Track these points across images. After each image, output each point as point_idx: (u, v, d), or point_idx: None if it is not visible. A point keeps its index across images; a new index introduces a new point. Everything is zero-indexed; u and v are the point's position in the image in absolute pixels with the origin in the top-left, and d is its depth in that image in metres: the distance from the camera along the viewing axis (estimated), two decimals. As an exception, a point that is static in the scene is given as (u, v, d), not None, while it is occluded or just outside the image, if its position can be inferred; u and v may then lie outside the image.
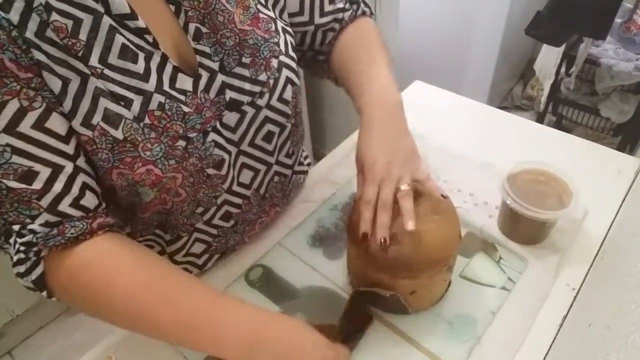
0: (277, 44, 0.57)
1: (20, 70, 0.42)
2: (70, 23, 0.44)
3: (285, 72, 0.58)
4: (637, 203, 0.72)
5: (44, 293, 0.49)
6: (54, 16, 0.43)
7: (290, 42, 0.60)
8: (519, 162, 0.68)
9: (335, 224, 0.75)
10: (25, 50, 0.42)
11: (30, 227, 0.45)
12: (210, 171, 0.55)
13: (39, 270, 0.47)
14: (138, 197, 0.53)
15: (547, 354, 0.56)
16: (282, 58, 0.57)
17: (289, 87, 0.58)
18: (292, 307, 0.64)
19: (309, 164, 0.83)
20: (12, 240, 0.45)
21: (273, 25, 0.57)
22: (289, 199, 0.75)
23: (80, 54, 0.44)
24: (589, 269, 0.64)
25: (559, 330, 0.58)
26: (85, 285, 0.47)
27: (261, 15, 0.56)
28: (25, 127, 0.43)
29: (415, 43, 2.18)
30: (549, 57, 1.88)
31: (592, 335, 0.58)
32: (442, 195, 0.56)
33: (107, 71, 0.46)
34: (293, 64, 0.59)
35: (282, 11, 0.61)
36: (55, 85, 0.44)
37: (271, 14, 0.58)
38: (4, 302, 1.48)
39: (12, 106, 0.42)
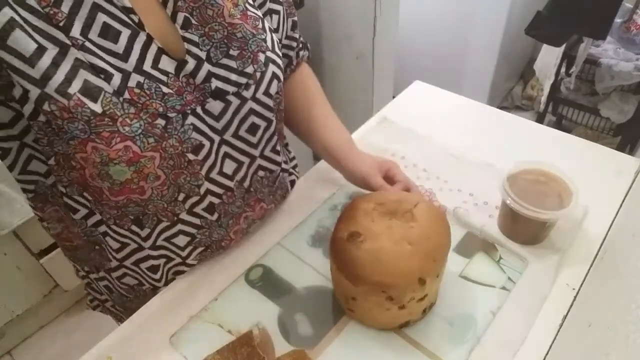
0: (264, 40, 0.58)
1: None
2: None
3: (272, 68, 0.58)
4: (637, 203, 0.72)
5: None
6: None
7: (276, 41, 0.61)
8: (519, 162, 0.68)
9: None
10: None
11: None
12: (190, 156, 0.56)
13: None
14: (109, 180, 0.52)
15: (547, 354, 0.56)
16: (269, 53, 0.58)
17: (275, 82, 0.59)
18: (292, 307, 0.64)
19: (295, 166, 0.83)
20: None
21: (260, 23, 0.58)
22: (276, 197, 0.74)
23: (61, 24, 0.44)
24: (589, 269, 0.64)
25: (559, 330, 0.58)
26: None
27: (249, 12, 0.57)
28: None
29: (415, 43, 2.18)
30: (549, 57, 1.88)
31: (592, 335, 0.58)
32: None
33: (88, 44, 0.46)
34: (279, 61, 0.60)
35: (264, 16, 0.62)
36: (27, 46, 0.43)
37: (259, 13, 0.59)
38: (4, 302, 1.48)
39: None
